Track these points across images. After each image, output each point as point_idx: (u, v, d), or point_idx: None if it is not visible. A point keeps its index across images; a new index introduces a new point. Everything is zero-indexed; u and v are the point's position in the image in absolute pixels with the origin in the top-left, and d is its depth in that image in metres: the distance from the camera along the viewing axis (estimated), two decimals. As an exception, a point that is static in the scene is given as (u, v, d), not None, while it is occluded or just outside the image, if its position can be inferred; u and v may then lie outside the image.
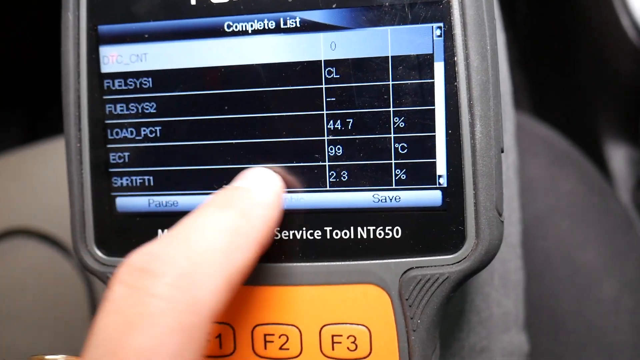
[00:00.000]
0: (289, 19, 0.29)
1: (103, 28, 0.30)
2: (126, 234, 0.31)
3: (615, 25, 0.62)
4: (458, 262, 0.28)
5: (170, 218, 0.31)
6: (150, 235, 0.31)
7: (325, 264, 0.29)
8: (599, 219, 0.54)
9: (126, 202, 0.31)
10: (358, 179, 0.29)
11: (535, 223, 0.53)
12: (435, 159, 0.28)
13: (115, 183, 0.31)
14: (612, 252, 0.52)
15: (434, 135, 0.28)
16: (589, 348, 0.49)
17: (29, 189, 0.70)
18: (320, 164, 0.29)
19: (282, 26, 0.29)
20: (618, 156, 0.67)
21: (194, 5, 0.29)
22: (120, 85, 0.31)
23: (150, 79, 0.30)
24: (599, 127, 0.68)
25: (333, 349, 0.30)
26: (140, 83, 0.30)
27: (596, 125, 0.68)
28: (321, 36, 0.29)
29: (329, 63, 0.29)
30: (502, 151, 0.28)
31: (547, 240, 0.53)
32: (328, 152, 0.29)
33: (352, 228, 0.29)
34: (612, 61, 0.64)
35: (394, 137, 0.28)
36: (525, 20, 0.82)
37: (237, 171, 0.30)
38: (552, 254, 0.52)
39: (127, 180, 0.31)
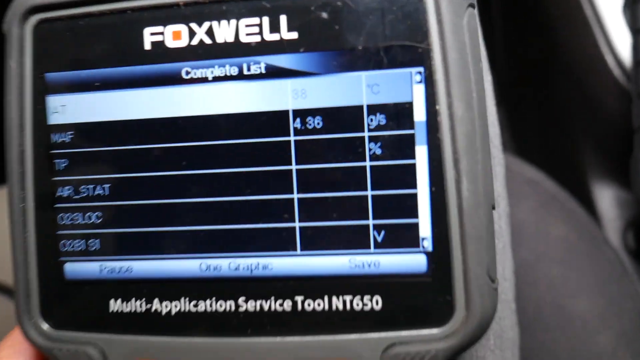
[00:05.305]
0: (253, 65, 0.27)
1: (50, 76, 0.29)
2: (75, 304, 0.29)
3: (599, 63, 0.62)
4: (446, 336, 0.26)
5: (123, 286, 0.29)
6: (102, 305, 0.29)
7: (296, 338, 0.27)
8: (591, 266, 0.52)
9: (75, 269, 0.29)
10: (332, 242, 0.27)
11: (524, 269, 0.52)
12: (417, 219, 0.26)
13: (64, 247, 0.29)
14: (606, 302, 0.51)
15: (416, 193, 0.26)
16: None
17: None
18: (290, 225, 0.27)
19: (245, 72, 0.27)
20: (606, 197, 0.66)
21: (148, 50, 0.28)
22: (68, 139, 0.29)
23: (101, 131, 0.29)
24: (586, 167, 0.68)
25: None
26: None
27: (583, 165, 0.68)
28: (288, 83, 0.27)
29: (297, 113, 0.27)
30: (494, 208, 0.26)
31: (537, 288, 0.51)
32: (298, 211, 0.27)
33: (326, 297, 0.27)
34: (598, 100, 0.65)
35: (371, 194, 0.27)
36: (507, 59, 0.82)
37: (195, 233, 0.28)
38: (543, 303, 0.51)
39: (76, 243, 0.29)
